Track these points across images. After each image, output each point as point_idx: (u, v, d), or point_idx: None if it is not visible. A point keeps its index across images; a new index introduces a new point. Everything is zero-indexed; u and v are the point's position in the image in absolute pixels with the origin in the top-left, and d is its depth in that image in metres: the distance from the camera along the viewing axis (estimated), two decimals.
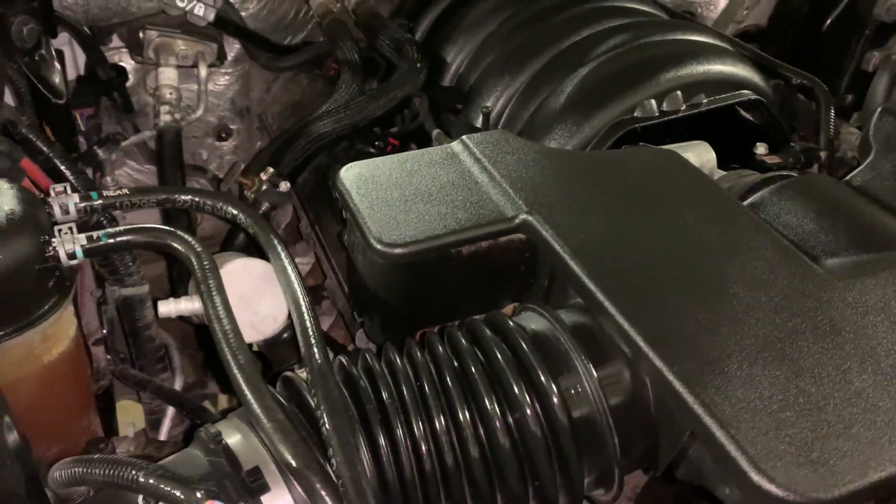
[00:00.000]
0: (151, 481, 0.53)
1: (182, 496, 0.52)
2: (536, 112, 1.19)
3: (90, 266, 1.16)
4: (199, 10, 1.26)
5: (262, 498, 0.62)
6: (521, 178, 0.88)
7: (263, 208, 1.35)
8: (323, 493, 0.59)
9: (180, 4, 1.26)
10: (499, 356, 0.70)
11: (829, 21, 1.78)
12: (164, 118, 1.38)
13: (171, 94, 1.40)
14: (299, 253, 1.61)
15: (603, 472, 0.71)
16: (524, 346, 0.70)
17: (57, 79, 1.06)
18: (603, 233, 0.81)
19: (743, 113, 1.27)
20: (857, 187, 1.00)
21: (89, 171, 1.36)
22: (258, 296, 0.86)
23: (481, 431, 0.67)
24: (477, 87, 1.31)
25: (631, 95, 1.12)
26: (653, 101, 1.12)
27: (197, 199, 0.88)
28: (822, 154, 1.24)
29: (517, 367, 0.69)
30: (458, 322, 0.78)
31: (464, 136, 0.94)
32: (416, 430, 0.66)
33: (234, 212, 0.87)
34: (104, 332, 1.09)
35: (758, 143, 1.22)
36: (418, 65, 1.35)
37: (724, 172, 1.11)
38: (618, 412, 0.70)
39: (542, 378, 0.68)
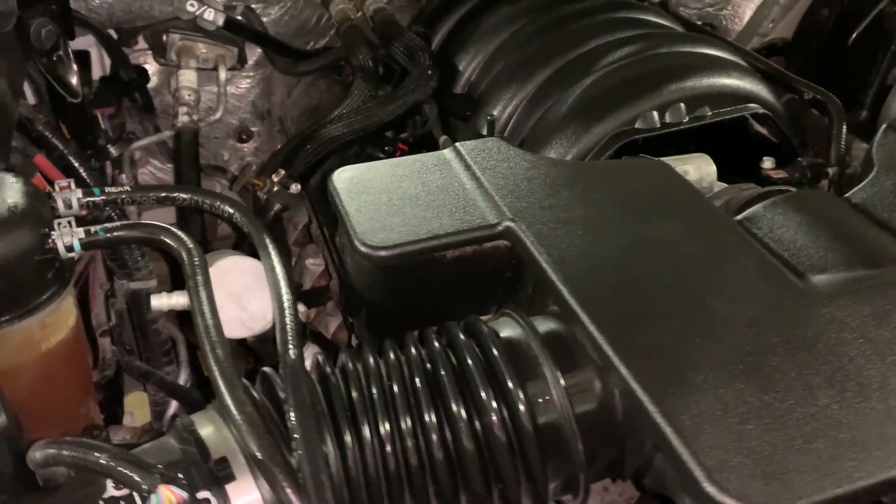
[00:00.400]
0: (112, 464, 0.55)
1: (138, 479, 0.55)
2: (539, 121, 1.20)
3: (101, 260, 1.21)
4: (209, 14, 1.30)
5: (228, 487, 0.64)
6: (508, 186, 0.89)
7: (275, 209, 1.39)
8: (284, 484, 0.61)
9: (191, 9, 1.30)
10: (468, 359, 0.71)
11: (854, 35, 1.76)
12: (182, 119, 1.43)
13: (189, 95, 1.44)
14: (311, 254, 1.64)
15: (568, 478, 0.71)
16: (493, 350, 0.71)
17: (73, 79, 1.11)
18: (584, 242, 0.82)
19: (757, 126, 1.27)
20: (855, 204, 0.99)
21: (109, 169, 1.41)
22: (249, 293, 0.89)
23: (447, 432, 0.68)
24: (486, 94, 1.33)
25: (632, 106, 1.12)
26: (654, 113, 1.12)
27: (195, 197, 0.91)
28: (831, 170, 1.23)
29: (485, 370, 0.71)
30: (439, 326, 0.80)
31: (457, 143, 0.95)
32: (382, 428, 0.67)
33: (231, 210, 0.90)
34: (111, 324, 1.13)
35: (764, 158, 1.22)
36: (429, 72, 1.37)
37: (725, 185, 1.11)
38: (584, 419, 0.70)
39: (509, 382, 0.69)
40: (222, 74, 1.51)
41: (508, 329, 0.76)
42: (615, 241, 0.83)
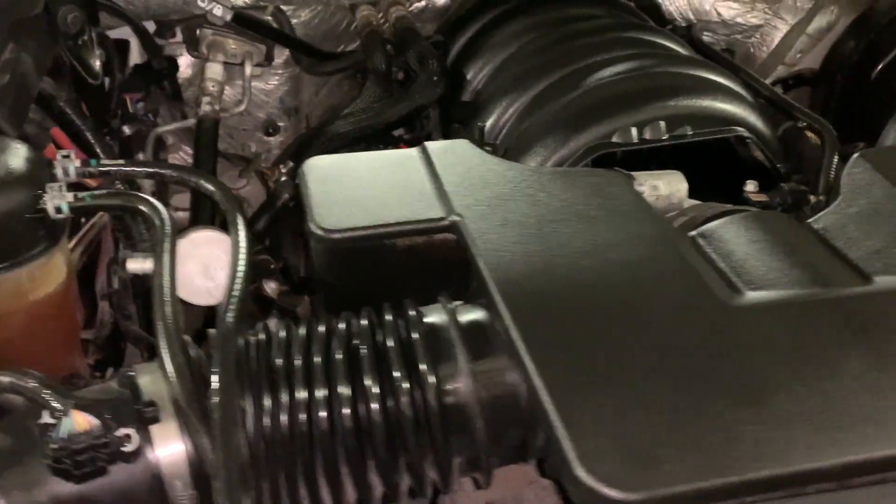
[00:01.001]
0: (35, 387, 0.63)
1: (56, 403, 0.62)
2: (524, 131, 1.25)
3: (111, 231, 1.31)
4: (218, 10, 1.40)
5: (152, 428, 0.71)
6: (463, 184, 0.94)
7: (283, 199, 1.47)
8: (199, 427, 0.68)
9: (201, 5, 1.39)
10: (385, 337, 0.76)
11: (878, 69, 1.75)
12: (205, 108, 1.53)
13: (213, 87, 1.54)
14: None
15: (473, 456, 0.76)
16: (411, 330, 0.77)
17: (96, 62, 1.21)
18: (521, 241, 0.86)
19: (743, 150, 1.29)
20: (814, 229, 1.01)
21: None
22: (217, 265, 0.96)
23: (358, 402, 0.74)
24: (486, 103, 1.39)
25: (610, 121, 1.16)
26: (633, 129, 1.16)
27: (182, 175, 0.99)
28: (813, 198, 1.24)
29: (402, 349, 0.76)
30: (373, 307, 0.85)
31: (426, 143, 1.01)
32: (298, 393, 0.73)
33: (212, 189, 0.98)
34: (111, 289, 1.22)
35: (747, 181, 1.24)
36: (435, 77, 1.43)
37: (696, 202, 1.13)
38: (489, 403, 0.75)
39: (419, 361, 0.74)
40: (248, 70, 1.61)
41: (435, 314, 0.82)
42: (553, 243, 0.87)
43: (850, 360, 0.75)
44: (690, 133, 1.18)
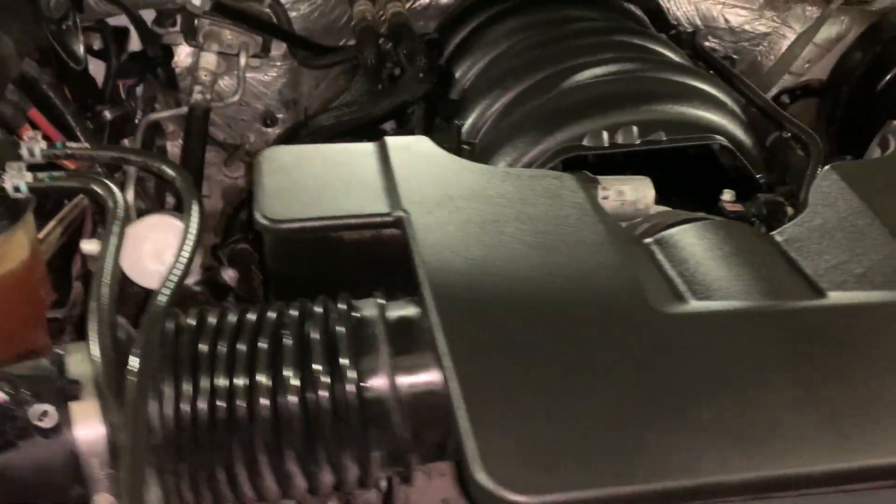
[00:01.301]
0: None
1: None
2: (500, 131, 1.24)
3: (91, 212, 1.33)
4: (196, 0, 1.41)
5: (73, 406, 0.72)
6: (415, 181, 0.94)
7: None
8: (115, 406, 0.69)
9: None
10: (310, 328, 0.77)
11: (884, 81, 1.71)
12: (196, 97, 1.55)
13: (206, 76, 1.56)
14: None
15: (394, 451, 0.76)
16: (337, 323, 0.77)
17: (79, 47, 1.24)
18: (463, 239, 0.86)
19: (723, 159, 1.27)
20: (775, 241, 0.99)
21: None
22: (170, 250, 0.97)
23: (278, 393, 0.74)
24: (468, 102, 1.38)
25: (581, 124, 1.15)
26: (605, 133, 1.14)
27: (146, 160, 1.01)
28: (791, 210, 1.21)
29: (326, 340, 0.76)
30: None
31: (386, 138, 1.01)
32: (218, 379, 0.74)
33: (172, 174, 0.99)
34: (84, 269, 1.25)
35: (724, 190, 1.22)
36: (421, 74, 1.43)
37: (663, 209, 1.12)
38: (410, 399, 0.75)
39: (340, 354, 0.75)
40: (242, 60, 1.62)
41: (368, 308, 0.82)
42: (495, 244, 0.86)
43: (780, 375, 0.74)
44: (664, 139, 1.17)
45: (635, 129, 1.15)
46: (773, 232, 1.01)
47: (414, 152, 0.99)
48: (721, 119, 1.23)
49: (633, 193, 1.10)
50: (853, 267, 0.93)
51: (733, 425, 0.68)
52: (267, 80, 1.80)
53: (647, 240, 0.97)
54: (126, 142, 1.46)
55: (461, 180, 0.96)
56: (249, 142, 1.90)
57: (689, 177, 1.33)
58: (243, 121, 1.84)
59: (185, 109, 1.59)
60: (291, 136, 1.47)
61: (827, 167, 1.05)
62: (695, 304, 0.85)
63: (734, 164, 1.26)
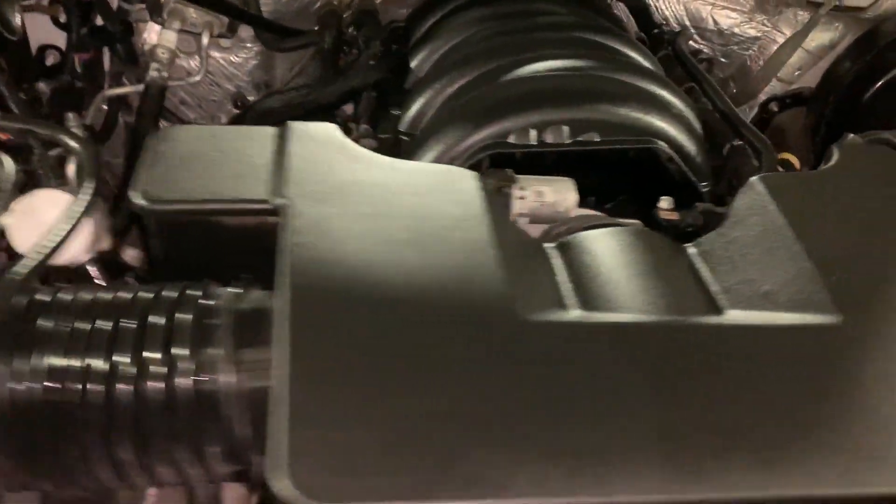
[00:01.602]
0: None
1: None
2: (433, 123, 1.20)
3: None
4: None
5: None
6: (308, 169, 0.91)
7: None
8: None
9: None
10: (155, 312, 0.74)
11: (869, 92, 1.63)
12: (152, 74, 1.53)
13: (163, 53, 1.54)
14: None
15: (232, 447, 0.73)
16: (183, 310, 0.74)
17: (15, 17, 1.23)
18: (343, 233, 0.83)
19: (681, 166, 1.21)
20: (686, 253, 0.94)
21: None
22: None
23: (110, 378, 0.72)
24: (415, 91, 1.34)
25: (508, 120, 1.11)
26: (533, 131, 1.10)
27: (53, 133, 0.99)
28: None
29: (169, 328, 0.74)
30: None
31: (290, 122, 0.98)
32: (53, 359, 0.72)
33: (77, 147, 0.97)
34: None
35: (662, 198, 1.16)
36: (372, 62, 1.40)
37: (585, 212, 1.07)
38: (249, 394, 0.72)
39: (177, 342, 0.72)
40: (204, 40, 1.61)
41: (223, 296, 0.79)
42: (373, 239, 0.83)
43: (636, 395, 0.69)
44: (597, 140, 1.11)
45: (566, 128, 1.11)
46: (691, 243, 0.96)
47: (315, 140, 0.96)
48: (663, 123, 1.17)
49: (553, 195, 1.05)
50: (760, 285, 0.87)
51: (565, 444, 0.63)
52: (238, 61, 1.78)
53: (550, 244, 0.93)
54: (71, 116, 1.45)
55: (357, 172, 0.93)
56: (221, 122, 1.89)
57: (639, 182, 1.28)
58: (214, 101, 1.83)
59: (140, 87, 1.57)
60: (238, 120, 1.45)
61: (755, 178, 0.99)
62: (574, 314, 0.80)
63: (680, 170, 1.21)
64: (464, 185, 0.92)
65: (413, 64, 1.45)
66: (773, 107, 1.84)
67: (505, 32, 1.37)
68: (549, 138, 1.10)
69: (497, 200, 0.98)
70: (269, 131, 0.98)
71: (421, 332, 0.72)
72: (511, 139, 1.10)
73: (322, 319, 0.73)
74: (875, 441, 0.68)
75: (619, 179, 1.25)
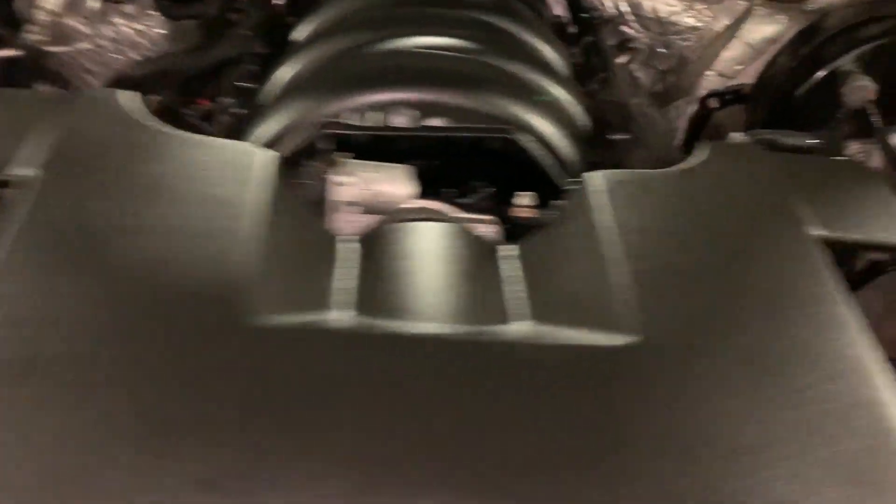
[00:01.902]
0: None
1: None
2: (281, 97, 1.10)
3: None
4: None
5: None
6: (79, 138, 0.81)
7: None
8: None
9: None
10: None
11: (801, 89, 1.51)
12: (29, 37, 1.45)
13: (43, 16, 1.46)
14: None
15: None
16: None
17: None
18: (88, 210, 0.74)
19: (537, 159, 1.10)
20: (495, 255, 0.83)
21: None
22: None
23: None
24: (275, 63, 1.24)
25: (345, 99, 1.00)
26: (376, 114, 0.99)
27: None
28: None
29: None
30: None
31: (84, 90, 0.89)
32: None
33: None
34: None
35: (519, 194, 1.05)
36: (248, 31, 1.30)
37: (420, 203, 0.97)
38: None
39: None
40: (94, 4, 1.52)
41: None
42: (123, 221, 0.73)
43: (354, 408, 0.59)
44: (443, 126, 1.01)
45: (414, 112, 1.00)
46: (515, 242, 0.86)
47: (101, 107, 0.86)
48: (528, 113, 1.06)
49: (386, 184, 0.95)
50: (562, 294, 0.77)
51: (210, 462, 0.53)
52: (142, 28, 1.69)
53: (346, 237, 0.83)
54: None
55: (136, 144, 0.83)
56: None
57: (511, 177, 1.17)
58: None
59: (12, 52, 1.49)
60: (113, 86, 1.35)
61: (595, 173, 0.87)
62: (337, 316, 0.71)
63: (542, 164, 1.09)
64: (253, 166, 0.82)
65: (292, 37, 1.35)
66: (713, 103, 1.72)
67: (387, 6, 1.27)
68: (398, 122, 1.00)
69: (294, 187, 0.88)
70: (56, 94, 0.89)
71: (123, 326, 0.63)
72: (346, 119, 1.00)
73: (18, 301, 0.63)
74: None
75: (485, 172, 1.15)
